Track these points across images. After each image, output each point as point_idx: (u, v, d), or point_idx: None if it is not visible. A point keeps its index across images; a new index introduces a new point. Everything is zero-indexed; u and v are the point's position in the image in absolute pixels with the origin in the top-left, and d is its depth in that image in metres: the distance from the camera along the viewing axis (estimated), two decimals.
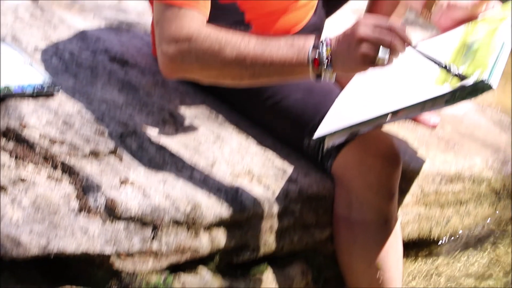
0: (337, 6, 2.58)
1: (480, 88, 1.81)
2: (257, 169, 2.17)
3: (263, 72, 1.92)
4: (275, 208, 2.10)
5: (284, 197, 2.13)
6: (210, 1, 2.01)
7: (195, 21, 1.96)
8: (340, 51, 1.85)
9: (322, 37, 1.88)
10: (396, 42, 1.81)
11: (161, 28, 1.97)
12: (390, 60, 1.83)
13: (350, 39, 1.84)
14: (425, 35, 3.23)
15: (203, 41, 1.93)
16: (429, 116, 2.61)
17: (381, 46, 1.80)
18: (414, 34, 3.19)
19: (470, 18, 2.20)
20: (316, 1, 2.38)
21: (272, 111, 2.24)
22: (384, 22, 1.83)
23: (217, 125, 2.28)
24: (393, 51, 1.82)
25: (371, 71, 2.22)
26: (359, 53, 1.82)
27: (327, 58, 1.86)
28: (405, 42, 1.84)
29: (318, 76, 1.89)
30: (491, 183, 2.57)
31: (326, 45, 1.86)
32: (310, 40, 1.89)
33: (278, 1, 2.24)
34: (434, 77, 1.91)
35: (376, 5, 2.54)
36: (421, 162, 2.45)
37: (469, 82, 1.81)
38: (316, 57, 1.86)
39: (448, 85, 1.84)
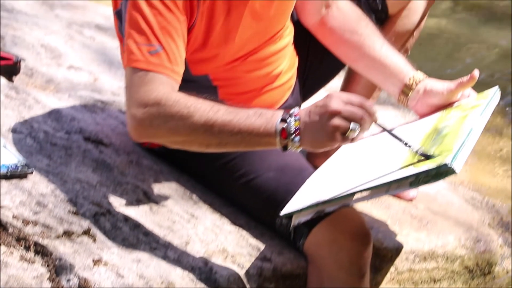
0: (314, 89, 2.60)
1: (443, 171, 1.83)
2: (231, 248, 2.17)
3: (230, 140, 1.94)
4: (250, 287, 2.10)
5: (258, 276, 2.13)
6: (183, 69, 2.03)
7: (164, 86, 1.97)
8: (311, 123, 1.88)
9: (291, 109, 1.91)
10: (366, 118, 1.85)
11: (131, 92, 1.99)
12: (358, 136, 1.86)
13: (322, 111, 1.86)
14: (397, 114, 3.27)
15: (171, 106, 1.94)
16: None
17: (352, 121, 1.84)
18: (387, 113, 3.24)
19: (446, 104, 2.23)
20: (293, 83, 2.41)
21: (244, 189, 2.25)
22: (355, 98, 1.87)
23: (191, 204, 2.29)
24: (362, 127, 1.85)
25: (342, 150, 2.25)
26: (331, 126, 1.85)
27: (295, 130, 1.88)
28: (373, 119, 1.87)
29: (285, 147, 1.90)
30: (464, 261, 2.58)
31: (295, 117, 1.89)
32: (279, 111, 1.92)
33: (252, 80, 2.27)
34: (401, 160, 1.94)
35: (351, 88, 2.58)
36: (394, 240, 2.46)
37: (432, 165, 1.84)
38: (284, 127, 1.89)
39: (413, 168, 1.87)
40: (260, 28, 2.19)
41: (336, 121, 1.85)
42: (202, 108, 1.93)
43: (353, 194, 1.91)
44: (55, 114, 2.48)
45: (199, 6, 2.05)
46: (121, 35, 2.23)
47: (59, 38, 3.11)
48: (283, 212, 2.03)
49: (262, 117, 1.91)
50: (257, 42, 2.21)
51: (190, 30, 2.07)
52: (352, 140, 1.87)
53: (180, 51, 2.02)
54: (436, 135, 2.03)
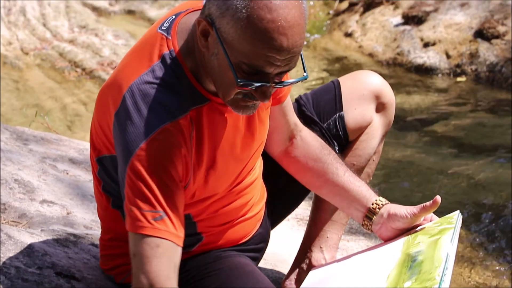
0: (280, 217, 2.64)
1: None
2: None
3: None
4: None
5: None
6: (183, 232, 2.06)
7: (171, 266, 2.01)
8: None
9: None
10: None
11: (142, 260, 2.00)
12: None
13: None
14: (369, 244, 3.29)
15: None
16: None
17: None
18: (358, 243, 3.25)
19: (409, 228, 2.28)
20: (263, 213, 2.45)
21: None
22: None
23: None
24: None
25: (312, 278, 2.25)
26: None
27: None
28: None
29: None
30: None
31: None
32: None
33: (229, 212, 2.30)
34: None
35: (319, 215, 2.61)
36: None
37: None
38: None
39: None
40: (241, 169, 2.26)
41: None
42: None
43: None
44: (27, 250, 2.48)
45: (192, 163, 2.10)
46: (100, 180, 2.26)
47: (32, 173, 3.14)
48: None
49: None
50: (237, 181, 2.27)
51: (185, 187, 2.11)
52: None
53: (181, 216, 2.06)
54: (410, 263, 2.05)
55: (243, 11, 1.92)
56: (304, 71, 2.06)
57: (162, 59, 2.08)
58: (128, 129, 2.03)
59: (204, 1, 2.04)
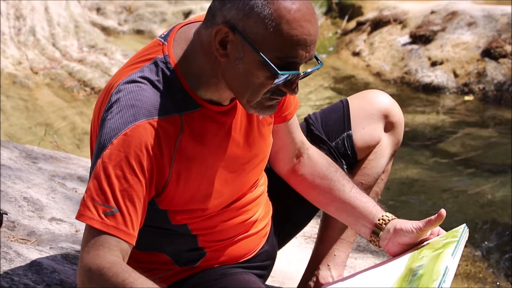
0: (289, 235, 2.64)
1: None
2: None
3: None
4: None
5: None
6: (137, 230, 2.04)
7: (113, 252, 2.00)
8: None
9: None
10: None
11: (83, 249, 2.02)
12: None
13: None
14: (376, 261, 3.29)
15: (110, 278, 1.96)
16: None
17: None
18: (366, 261, 3.25)
19: (416, 242, 2.28)
20: (268, 230, 2.45)
21: None
22: None
23: None
24: None
25: None
26: None
27: None
28: None
29: None
30: None
31: None
32: None
33: (229, 228, 2.29)
34: None
35: (327, 234, 2.61)
36: None
37: None
38: None
39: None
40: (238, 183, 2.25)
41: None
42: None
43: None
44: (35, 267, 2.49)
45: (172, 165, 2.10)
46: None
47: (41, 191, 3.15)
48: None
49: None
50: (235, 195, 2.26)
51: (163, 189, 2.11)
52: None
53: (138, 214, 2.05)
54: (411, 276, 2.06)
55: (269, 6, 1.98)
56: (318, 61, 2.11)
57: (154, 61, 2.10)
58: (106, 123, 2.05)
59: (207, 13, 2.06)
